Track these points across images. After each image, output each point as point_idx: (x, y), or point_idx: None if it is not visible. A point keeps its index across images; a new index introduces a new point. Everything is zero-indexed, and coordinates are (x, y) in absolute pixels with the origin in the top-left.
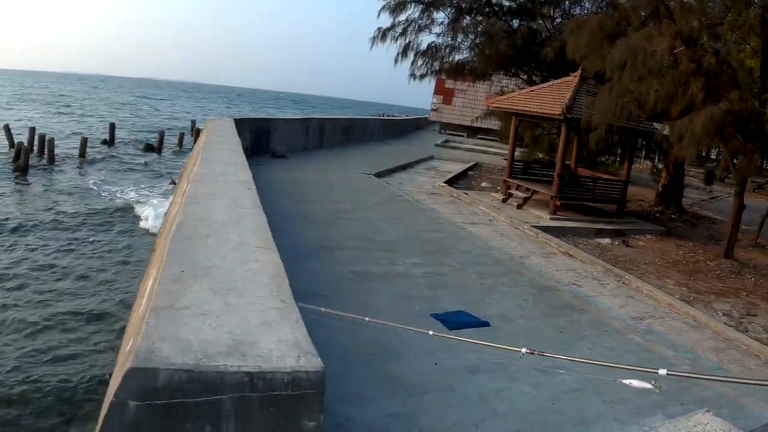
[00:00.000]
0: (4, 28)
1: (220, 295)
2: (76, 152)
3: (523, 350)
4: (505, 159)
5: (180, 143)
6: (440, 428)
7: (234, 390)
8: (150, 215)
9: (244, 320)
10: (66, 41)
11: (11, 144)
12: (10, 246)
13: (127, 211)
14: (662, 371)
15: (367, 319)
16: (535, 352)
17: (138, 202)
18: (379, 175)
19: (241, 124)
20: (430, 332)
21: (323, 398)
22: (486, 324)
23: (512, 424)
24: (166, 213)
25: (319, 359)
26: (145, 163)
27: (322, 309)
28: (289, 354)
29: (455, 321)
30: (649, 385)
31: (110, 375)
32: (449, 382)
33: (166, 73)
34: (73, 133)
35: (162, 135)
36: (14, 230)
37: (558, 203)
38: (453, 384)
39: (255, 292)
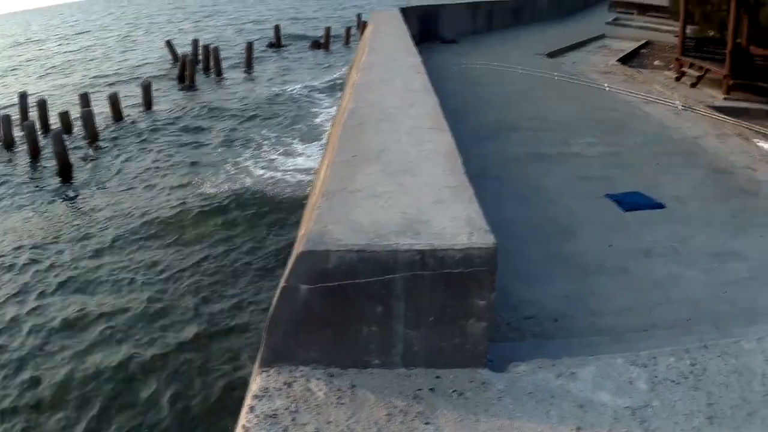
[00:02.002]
0: None
1: (392, 177)
2: (242, 61)
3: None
4: (677, 36)
5: (347, 39)
6: (613, 312)
7: (405, 269)
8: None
9: (417, 200)
10: None
11: (174, 57)
12: None
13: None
14: None
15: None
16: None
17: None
18: (551, 55)
19: (407, 13)
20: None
21: (495, 276)
22: (660, 206)
23: (685, 310)
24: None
25: (492, 236)
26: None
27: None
28: (462, 231)
29: (630, 202)
30: None
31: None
32: (623, 264)
33: None
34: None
35: (328, 31)
36: None
37: (731, 83)
38: (627, 266)
39: (428, 173)
